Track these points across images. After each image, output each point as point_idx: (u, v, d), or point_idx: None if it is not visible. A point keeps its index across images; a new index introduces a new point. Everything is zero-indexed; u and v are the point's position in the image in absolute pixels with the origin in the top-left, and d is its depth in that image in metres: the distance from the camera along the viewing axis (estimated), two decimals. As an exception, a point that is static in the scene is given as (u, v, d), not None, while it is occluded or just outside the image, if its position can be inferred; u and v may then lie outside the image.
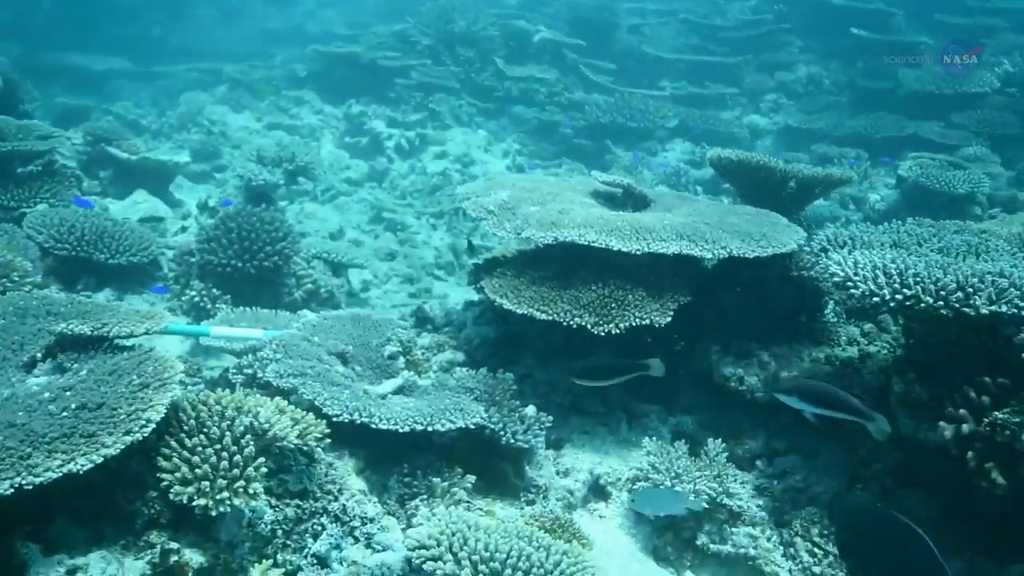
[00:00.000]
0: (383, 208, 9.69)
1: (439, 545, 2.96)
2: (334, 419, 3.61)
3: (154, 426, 2.98)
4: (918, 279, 3.53)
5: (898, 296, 3.54)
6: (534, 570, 2.88)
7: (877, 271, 3.64)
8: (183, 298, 5.71)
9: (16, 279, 4.94)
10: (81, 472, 2.72)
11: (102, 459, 2.78)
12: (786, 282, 4.79)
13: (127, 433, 2.89)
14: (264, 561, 3.23)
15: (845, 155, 11.00)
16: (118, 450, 2.83)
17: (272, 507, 3.33)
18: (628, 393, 4.73)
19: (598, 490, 4.24)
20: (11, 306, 3.62)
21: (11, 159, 6.67)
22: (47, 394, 3.03)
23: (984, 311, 3.41)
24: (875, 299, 3.61)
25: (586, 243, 4.11)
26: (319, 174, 7.64)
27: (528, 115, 13.07)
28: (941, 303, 3.47)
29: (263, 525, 3.27)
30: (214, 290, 5.49)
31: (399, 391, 4.20)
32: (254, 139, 10.96)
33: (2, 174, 6.69)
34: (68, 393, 3.03)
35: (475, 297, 5.45)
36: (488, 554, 2.91)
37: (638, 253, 4.08)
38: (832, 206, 9.55)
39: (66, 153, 8.63)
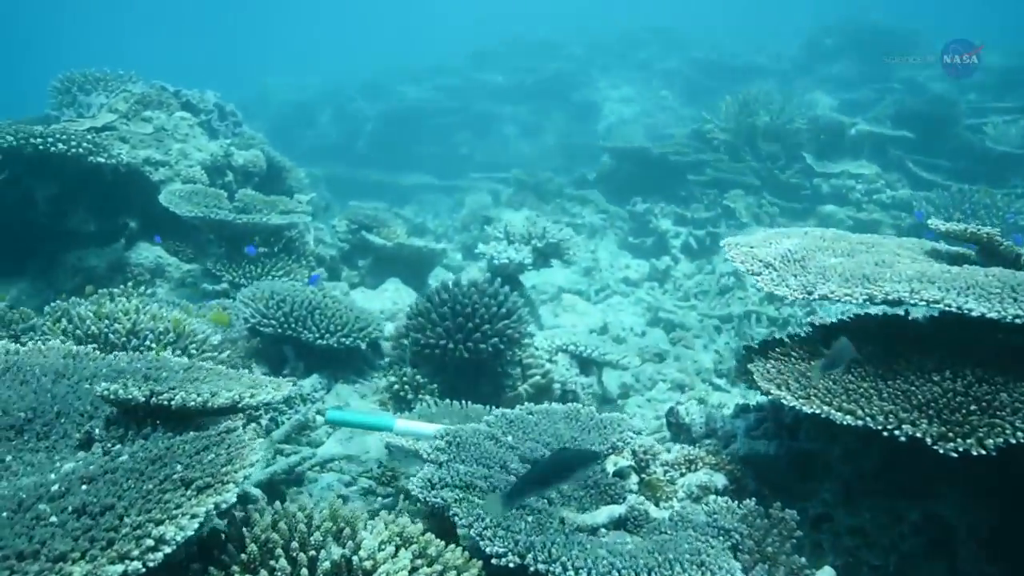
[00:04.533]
0: (661, 309, 8.37)
1: None
2: (494, 561, 2.28)
3: (169, 551, 1.84)
4: None
5: None
6: None
7: None
8: (380, 384, 4.73)
9: (194, 351, 4.19)
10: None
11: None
12: None
13: (119, 559, 1.77)
14: None
15: None
16: (91, 583, 1.71)
17: None
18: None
19: None
20: (75, 366, 2.72)
21: (248, 234, 6.24)
22: (56, 487, 2.00)
23: None
24: None
25: (923, 303, 2.52)
26: (575, 255, 6.56)
27: (841, 215, 11.27)
28: None
29: None
30: (418, 377, 4.44)
31: (619, 524, 2.79)
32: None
33: (239, 250, 6.26)
34: (84, 487, 1.98)
35: (754, 399, 3.95)
36: None
37: (1019, 322, 2.42)
38: None
39: (327, 240, 8.31)
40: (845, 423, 2.49)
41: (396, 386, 4.46)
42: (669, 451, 3.50)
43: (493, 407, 4.23)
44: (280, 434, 4.34)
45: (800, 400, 2.59)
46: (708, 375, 6.44)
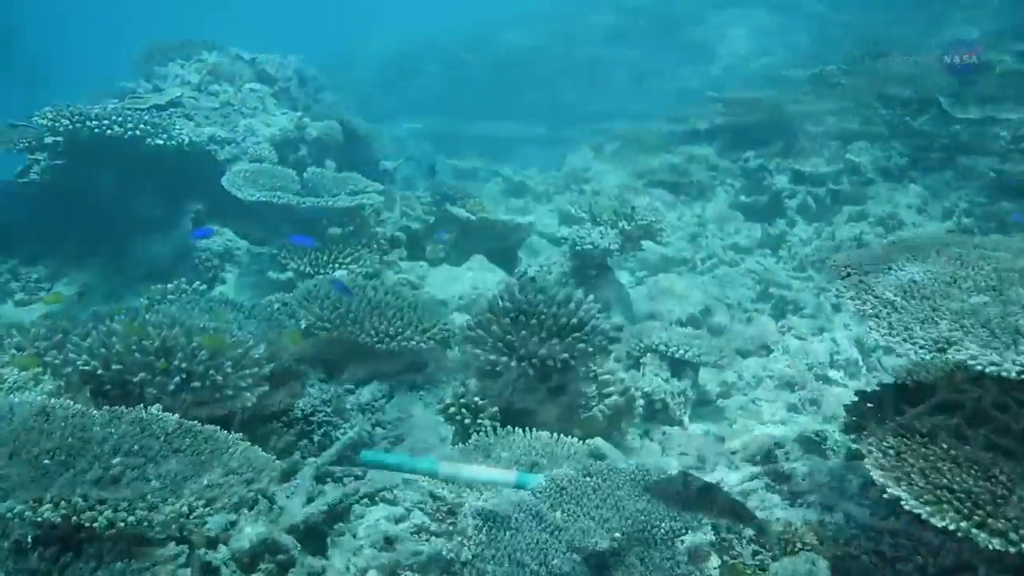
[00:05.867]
0: (773, 282, 7.58)
1: None
2: None
3: None
4: None
5: None
6: None
7: None
8: (438, 405, 4.24)
9: (230, 369, 3.78)
10: None
11: None
12: None
13: None
14: None
15: None
16: None
17: None
18: None
19: None
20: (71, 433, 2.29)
21: (315, 218, 5.82)
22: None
23: None
24: None
25: (1109, 386, 1.82)
26: (667, 236, 5.88)
27: (982, 166, 10.09)
28: None
29: None
30: (476, 399, 3.90)
31: (689, 635, 2.23)
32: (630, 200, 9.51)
33: (308, 233, 5.86)
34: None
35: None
36: None
37: None
38: None
39: (412, 211, 7.86)
40: (992, 547, 1.83)
41: (452, 408, 3.95)
42: (762, 509, 2.89)
43: (561, 435, 3.69)
44: (328, 456, 3.92)
45: (928, 507, 1.93)
46: (823, 368, 5.69)
